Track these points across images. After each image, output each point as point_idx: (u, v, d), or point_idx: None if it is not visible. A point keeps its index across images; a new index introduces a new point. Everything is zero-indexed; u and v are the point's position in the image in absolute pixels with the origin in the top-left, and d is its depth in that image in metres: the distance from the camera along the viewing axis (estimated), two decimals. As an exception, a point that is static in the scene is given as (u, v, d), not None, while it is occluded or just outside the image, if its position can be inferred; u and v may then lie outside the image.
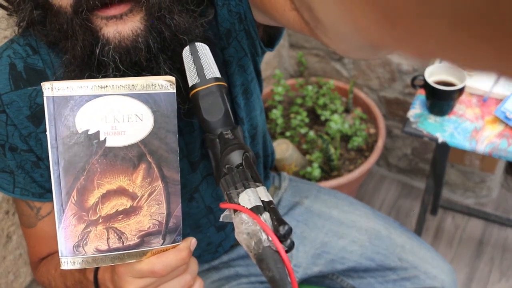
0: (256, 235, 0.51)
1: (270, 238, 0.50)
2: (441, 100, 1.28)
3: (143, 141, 0.60)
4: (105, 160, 0.58)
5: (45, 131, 0.73)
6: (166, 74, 0.67)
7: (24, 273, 1.17)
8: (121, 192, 0.60)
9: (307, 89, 1.87)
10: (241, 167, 0.59)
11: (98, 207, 0.59)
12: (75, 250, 0.60)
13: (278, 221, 0.51)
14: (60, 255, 0.59)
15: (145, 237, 0.62)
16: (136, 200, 0.61)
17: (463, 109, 1.31)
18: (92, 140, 0.58)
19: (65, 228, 0.59)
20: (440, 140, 1.26)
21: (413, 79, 1.34)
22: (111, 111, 0.58)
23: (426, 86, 1.27)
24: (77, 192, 0.58)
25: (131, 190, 0.60)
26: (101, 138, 0.58)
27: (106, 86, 0.57)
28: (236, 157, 0.59)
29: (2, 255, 1.10)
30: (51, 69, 0.75)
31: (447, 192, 2.03)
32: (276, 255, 0.50)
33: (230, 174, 0.58)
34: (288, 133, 1.78)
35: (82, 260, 0.60)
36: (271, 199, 0.55)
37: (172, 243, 0.64)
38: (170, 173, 0.62)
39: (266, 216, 0.53)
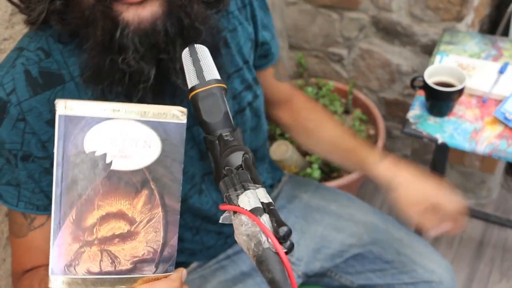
0: (255, 237, 0.51)
1: (269, 240, 0.50)
2: (440, 101, 1.28)
3: (148, 168, 0.60)
4: (108, 182, 0.59)
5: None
6: (181, 58, 0.70)
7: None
8: (120, 215, 0.60)
9: (306, 90, 1.87)
10: (240, 168, 0.59)
11: (95, 228, 0.59)
12: (66, 269, 0.59)
13: (277, 222, 0.51)
14: (50, 272, 0.59)
15: (138, 264, 0.62)
16: (134, 225, 0.61)
17: (463, 110, 1.31)
18: (98, 161, 0.58)
19: (59, 245, 0.58)
20: (440, 141, 1.26)
21: (413, 80, 1.34)
22: (121, 134, 0.58)
23: (425, 87, 1.27)
24: (76, 210, 0.58)
25: (130, 215, 0.60)
26: (107, 161, 0.58)
27: (119, 110, 0.58)
28: (235, 159, 0.60)
29: (2, 257, 1.10)
30: (65, 69, 0.76)
31: (447, 193, 2.02)
32: (276, 256, 0.50)
33: (229, 175, 0.58)
34: (287, 134, 1.79)
35: (72, 281, 0.59)
36: (270, 200, 0.55)
37: (164, 273, 0.63)
38: (171, 202, 0.62)
39: (265, 217, 0.53)
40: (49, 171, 0.78)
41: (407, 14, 1.66)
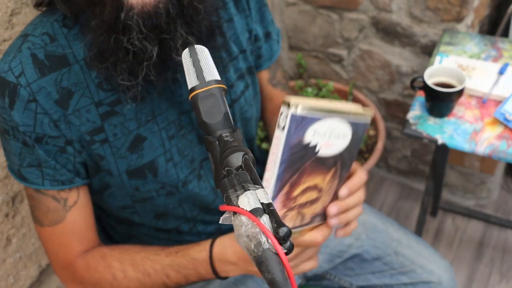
0: (255, 238, 0.50)
1: (269, 241, 0.50)
2: (440, 102, 1.28)
3: (340, 153, 0.76)
4: (313, 164, 0.74)
5: (73, 112, 0.80)
6: (182, 37, 0.75)
7: (24, 276, 1.17)
8: (314, 187, 0.77)
9: (306, 91, 1.87)
10: (240, 169, 0.59)
11: (297, 198, 0.75)
12: None
13: (277, 223, 0.51)
14: None
15: (313, 218, 0.81)
16: (321, 193, 0.79)
17: (463, 110, 1.31)
18: (311, 150, 0.72)
19: None
20: (440, 141, 1.26)
21: (413, 80, 1.34)
22: (330, 130, 0.72)
23: (425, 87, 1.28)
24: (289, 186, 0.73)
25: (320, 186, 0.78)
26: (317, 150, 0.73)
27: (334, 110, 0.72)
28: (235, 159, 0.60)
29: (1, 258, 1.10)
30: (70, 53, 0.79)
31: (447, 194, 2.03)
32: (276, 257, 0.50)
33: (229, 176, 0.58)
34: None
35: None
36: (270, 201, 0.55)
37: (323, 221, 0.84)
38: (345, 175, 0.82)
39: (265, 218, 0.53)
40: (64, 150, 0.81)
41: (407, 14, 1.66)
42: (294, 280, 0.49)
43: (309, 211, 0.79)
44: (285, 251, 0.50)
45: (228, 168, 0.59)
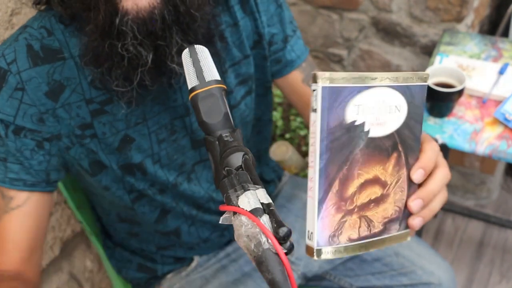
0: (255, 238, 0.50)
1: (269, 241, 0.50)
2: (440, 102, 1.28)
3: (397, 131, 0.62)
4: (366, 150, 0.60)
5: (63, 105, 0.78)
6: (177, 44, 0.73)
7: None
8: (375, 181, 0.62)
9: (306, 91, 1.87)
10: (240, 169, 0.59)
11: (355, 197, 0.61)
12: (330, 240, 0.60)
13: (277, 223, 0.51)
14: (315, 245, 0.60)
15: (387, 224, 0.65)
16: (386, 188, 0.63)
17: (463, 110, 1.31)
18: (358, 131, 0.59)
19: (323, 218, 0.59)
20: (440, 141, 1.26)
21: (413, 80, 1.34)
22: (377, 102, 0.60)
23: (425, 87, 1.27)
24: (339, 182, 0.59)
25: (383, 179, 0.63)
26: (366, 129, 0.60)
27: (376, 78, 0.59)
28: (235, 160, 0.59)
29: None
30: (66, 48, 0.79)
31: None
32: (276, 257, 0.50)
33: (229, 176, 0.58)
34: (287, 135, 1.78)
35: (336, 250, 0.61)
36: (270, 201, 0.55)
37: (405, 229, 0.66)
38: (413, 161, 0.65)
39: (265, 218, 0.53)
40: (41, 145, 0.80)
41: (407, 14, 1.66)
42: (294, 280, 0.49)
43: (378, 215, 0.64)
44: (285, 251, 0.50)
45: (228, 168, 0.59)
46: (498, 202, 2.00)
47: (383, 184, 0.63)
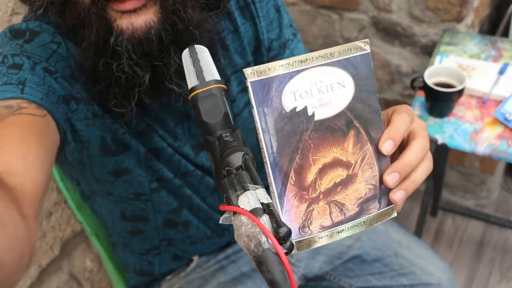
0: (255, 238, 0.50)
1: (269, 241, 0.50)
2: (440, 102, 1.28)
3: (348, 108, 0.60)
4: (316, 134, 0.58)
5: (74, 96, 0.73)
6: (176, 64, 0.70)
7: (24, 275, 1.17)
8: (336, 163, 0.60)
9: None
10: (240, 169, 0.59)
11: (317, 183, 0.59)
12: (300, 231, 0.59)
13: (277, 223, 0.51)
14: None
15: (363, 205, 0.62)
16: (351, 168, 0.61)
17: (463, 110, 1.31)
18: (301, 117, 0.57)
19: (288, 211, 0.58)
20: (440, 141, 1.26)
21: (413, 80, 1.34)
22: (315, 83, 0.58)
23: (425, 87, 1.27)
24: (294, 172, 0.58)
25: (344, 160, 0.60)
26: (309, 113, 0.58)
27: (306, 59, 0.57)
28: (235, 160, 0.59)
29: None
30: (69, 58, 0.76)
31: (447, 194, 2.03)
32: (276, 257, 0.50)
33: (229, 176, 0.58)
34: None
35: (309, 240, 0.60)
36: (270, 201, 0.55)
37: (387, 206, 0.63)
38: (376, 134, 0.62)
39: (265, 218, 0.53)
40: (67, 101, 0.73)
41: (407, 14, 1.66)
42: (294, 280, 0.49)
43: (349, 197, 0.61)
44: (285, 251, 0.50)
45: (228, 168, 0.59)
46: (498, 202, 2.00)
47: (346, 165, 0.61)
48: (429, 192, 1.61)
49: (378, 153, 0.62)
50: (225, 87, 0.66)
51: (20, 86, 0.68)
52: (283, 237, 0.50)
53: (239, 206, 0.54)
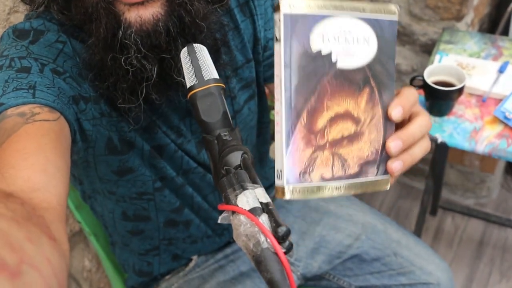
0: (254, 237, 0.50)
1: (268, 240, 0.50)
2: (440, 101, 1.28)
3: (368, 65, 0.60)
4: (335, 81, 0.57)
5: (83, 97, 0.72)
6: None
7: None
8: (347, 116, 0.59)
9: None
10: (239, 168, 0.58)
11: (326, 131, 0.58)
12: (301, 177, 0.57)
13: (276, 222, 0.51)
14: (285, 182, 0.56)
15: (363, 166, 0.60)
16: (360, 125, 0.60)
17: (462, 109, 1.31)
18: (325, 60, 0.57)
19: (292, 152, 0.56)
20: (440, 140, 1.26)
21: (412, 79, 1.34)
22: (343, 32, 0.57)
23: (425, 86, 1.27)
24: (307, 113, 0.56)
25: (355, 115, 0.59)
26: (333, 59, 0.57)
27: (340, 6, 0.57)
28: (234, 159, 0.59)
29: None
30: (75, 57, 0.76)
31: (446, 193, 2.02)
32: (275, 256, 0.49)
33: (228, 175, 0.57)
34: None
35: (307, 189, 0.57)
36: (269, 200, 0.55)
37: (383, 174, 0.62)
38: (388, 100, 0.62)
39: (264, 217, 0.52)
40: (77, 101, 0.73)
41: (406, 13, 1.66)
42: (293, 280, 0.48)
43: (352, 154, 0.60)
44: (284, 250, 0.50)
45: (226, 167, 0.59)
46: (498, 201, 2.00)
47: (356, 120, 0.59)
48: (428, 191, 1.61)
49: (386, 119, 0.61)
50: (223, 86, 0.66)
51: (31, 90, 0.67)
52: (282, 236, 0.50)
53: (237, 205, 0.53)
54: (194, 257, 1.07)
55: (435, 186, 1.74)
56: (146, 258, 1.05)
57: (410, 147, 0.63)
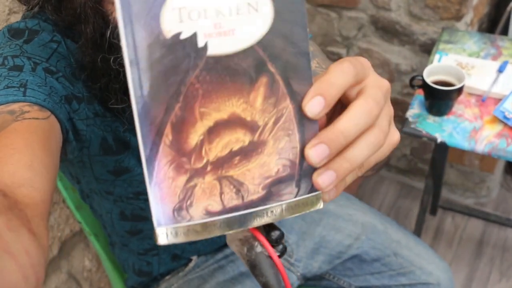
0: (248, 241, 0.50)
1: (262, 244, 0.50)
2: (439, 100, 1.28)
3: (261, 43, 0.39)
4: (208, 76, 0.39)
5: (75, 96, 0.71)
6: None
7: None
8: (235, 122, 0.40)
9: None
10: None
11: (203, 149, 0.40)
12: (176, 215, 0.40)
13: (269, 226, 0.51)
14: (156, 225, 0.39)
15: (272, 187, 0.42)
16: (258, 133, 0.41)
17: (462, 109, 1.31)
18: (187, 48, 0.38)
19: (158, 183, 0.39)
20: (439, 140, 1.26)
21: (412, 79, 1.33)
22: (212, 0, 0.38)
23: (424, 86, 1.27)
24: (171, 128, 0.38)
25: (249, 119, 0.40)
26: (200, 44, 0.38)
27: None
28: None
29: None
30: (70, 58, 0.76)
31: (446, 192, 2.02)
32: (269, 260, 0.50)
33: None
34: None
35: (188, 230, 0.40)
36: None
37: (309, 193, 0.43)
38: (301, 87, 0.41)
39: (257, 222, 0.52)
40: (69, 100, 0.72)
41: (406, 13, 1.66)
42: (288, 283, 0.48)
43: (251, 174, 0.41)
44: (278, 254, 0.50)
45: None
46: (498, 201, 2.00)
47: (250, 127, 0.40)
48: (428, 190, 1.61)
49: (302, 116, 0.41)
50: None
51: (22, 88, 0.67)
52: (276, 239, 0.50)
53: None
54: (194, 257, 1.07)
55: (435, 185, 1.74)
56: (146, 258, 1.05)
57: (346, 148, 0.42)
